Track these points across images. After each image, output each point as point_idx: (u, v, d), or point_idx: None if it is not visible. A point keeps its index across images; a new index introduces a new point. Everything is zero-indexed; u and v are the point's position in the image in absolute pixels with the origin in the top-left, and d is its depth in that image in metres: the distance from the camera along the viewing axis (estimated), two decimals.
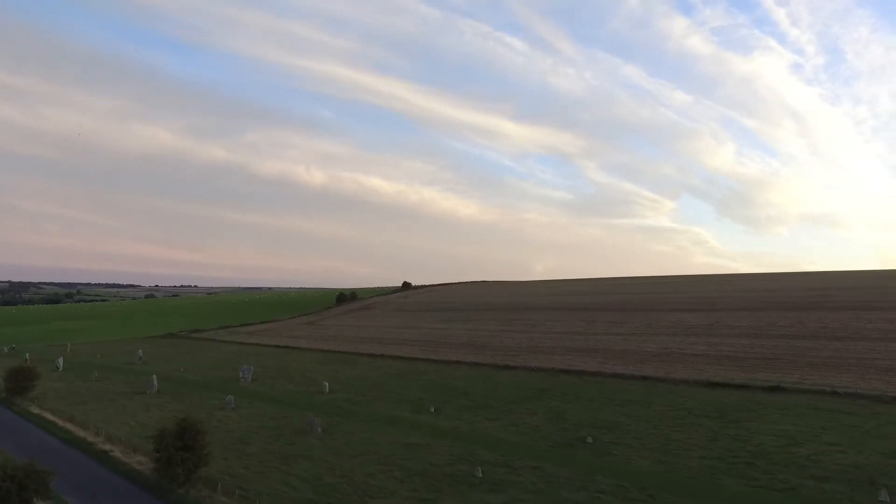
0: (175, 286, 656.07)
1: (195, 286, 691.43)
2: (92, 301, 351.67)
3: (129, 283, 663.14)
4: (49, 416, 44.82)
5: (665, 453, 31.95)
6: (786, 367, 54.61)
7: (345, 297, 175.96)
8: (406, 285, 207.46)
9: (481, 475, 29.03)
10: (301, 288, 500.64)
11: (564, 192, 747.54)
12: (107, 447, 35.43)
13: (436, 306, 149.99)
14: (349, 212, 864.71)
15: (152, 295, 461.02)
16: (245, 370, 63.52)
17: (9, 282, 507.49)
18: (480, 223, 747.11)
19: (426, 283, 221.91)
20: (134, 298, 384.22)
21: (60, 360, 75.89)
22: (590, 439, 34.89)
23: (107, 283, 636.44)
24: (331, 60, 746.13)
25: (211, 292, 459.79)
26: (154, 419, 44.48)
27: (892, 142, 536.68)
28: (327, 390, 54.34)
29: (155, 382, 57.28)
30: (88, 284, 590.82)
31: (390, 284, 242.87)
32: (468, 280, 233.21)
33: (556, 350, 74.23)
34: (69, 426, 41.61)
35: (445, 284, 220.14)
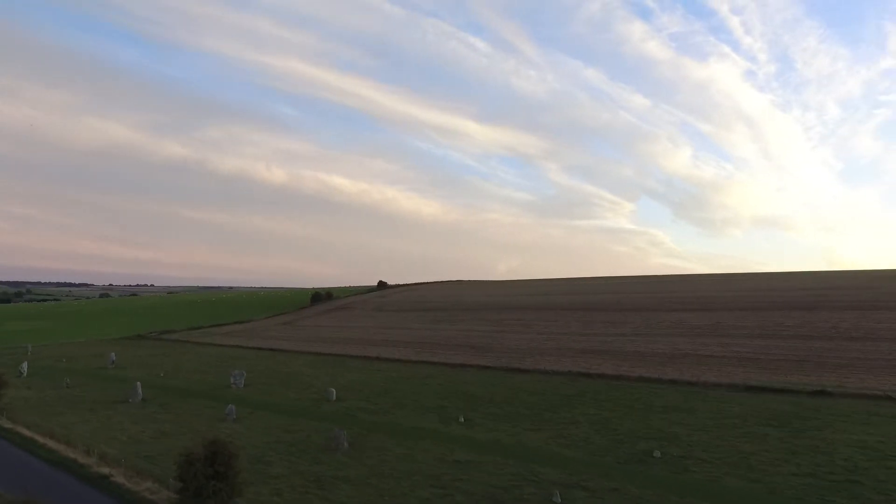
0: (130, 285, 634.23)
1: (151, 285, 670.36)
2: (44, 300, 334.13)
3: (81, 281, 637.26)
4: (25, 432, 39.09)
5: (749, 469, 28.73)
6: (815, 370, 52.55)
7: (320, 297, 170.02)
8: (382, 284, 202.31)
9: (561, 501, 25.26)
10: (265, 287, 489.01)
11: (527, 192, 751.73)
12: (104, 470, 30.27)
13: (417, 306, 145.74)
14: (311, 210, 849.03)
15: (107, 294, 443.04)
16: (237, 376, 58.32)
17: None
18: (444, 223, 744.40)
19: (397, 283, 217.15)
20: (88, 298, 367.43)
21: (24, 366, 69.00)
22: (657, 453, 31.47)
23: (58, 282, 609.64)
24: (292, 57, 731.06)
25: (172, 291, 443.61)
26: (148, 433, 39.38)
27: (837, 148, 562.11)
28: (334, 397, 49.78)
29: (139, 390, 51.72)
30: (39, 283, 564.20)
31: (356, 284, 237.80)
32: (440, 279, 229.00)
33: (563, 352, 71.08)
34: (52, 444, 36.11)
35: (421, 284, 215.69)
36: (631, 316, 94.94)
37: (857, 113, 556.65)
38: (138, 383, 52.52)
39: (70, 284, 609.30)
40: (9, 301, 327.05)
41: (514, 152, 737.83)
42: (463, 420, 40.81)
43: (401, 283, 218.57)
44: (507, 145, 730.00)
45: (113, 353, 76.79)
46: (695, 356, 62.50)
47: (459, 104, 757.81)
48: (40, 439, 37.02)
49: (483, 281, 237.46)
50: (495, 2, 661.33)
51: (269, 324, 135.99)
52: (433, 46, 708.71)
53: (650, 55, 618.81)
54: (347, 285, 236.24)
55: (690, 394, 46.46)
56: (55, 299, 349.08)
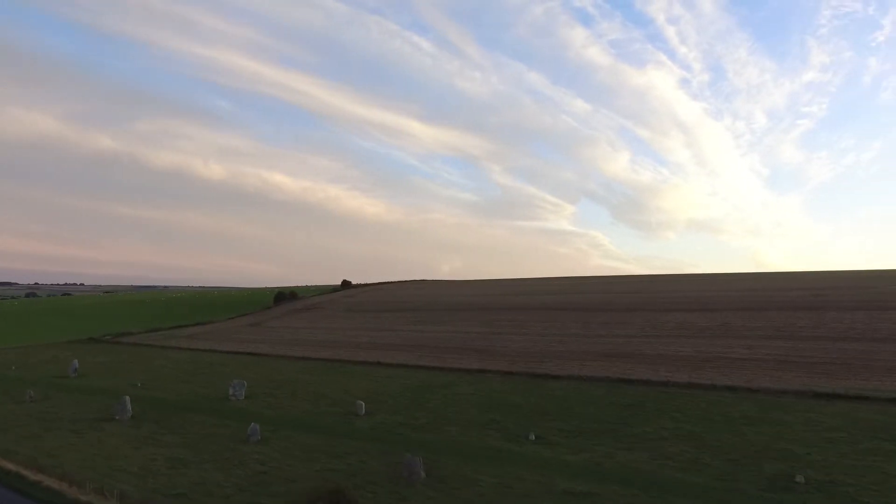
0: (59, 284, 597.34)
1: (82, 284, 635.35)
2: None
3: (4, 280, 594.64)
4: (7, 465, 31.31)
5: None
6: (864, 371, 50.08)
7: (284, 296, 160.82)
8: (346, 284, 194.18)
9: None
10: (210, 287, 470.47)
11: (470, 193, 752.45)
12: None
13: (390, 306, 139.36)
14: (252, 208, 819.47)
15: (34, 293, 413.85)
16: (236, 386, 51.11)
17: None
18: (387, 222, 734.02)
19: (358, 283, 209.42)
20: (13, 298, 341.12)
21: None
22: (800, 478, 27.16)
23: None
24: (230, 49, 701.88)
25: (109, 291, 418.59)
26: (160, 462, 32.33)
27: (764, 156, 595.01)
28: (363, 412, 43.58)
29: (128, 405, 43.98)
30: None
31: (305, 283, 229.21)
32: (390, 280, 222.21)
33: (580, 355, 66.79)
34: (46, 480, 28.64)
35: (384, 283, 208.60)
36: (630, 317, 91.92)
37: (782, 123, 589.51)
38: (127, 398, 44.66)
39: None
40: None
41: (458, 153, 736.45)
42: (533, 438, 35.58)
43: (361, 282, 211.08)
44: (451, 146, 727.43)
45: (75, 360, 67.48)
46: (725, 359, 59.38)
47: (403, 103, 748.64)
48: (29, 475, 29.40)
49: (447, 281, 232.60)
50: (440, 2, 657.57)
51: (233, 325, 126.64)
52: (377, 45, 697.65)
53: (591, 61, 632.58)
54: (301, 284, 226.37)
55: (762, 402, 42.71)
56: None
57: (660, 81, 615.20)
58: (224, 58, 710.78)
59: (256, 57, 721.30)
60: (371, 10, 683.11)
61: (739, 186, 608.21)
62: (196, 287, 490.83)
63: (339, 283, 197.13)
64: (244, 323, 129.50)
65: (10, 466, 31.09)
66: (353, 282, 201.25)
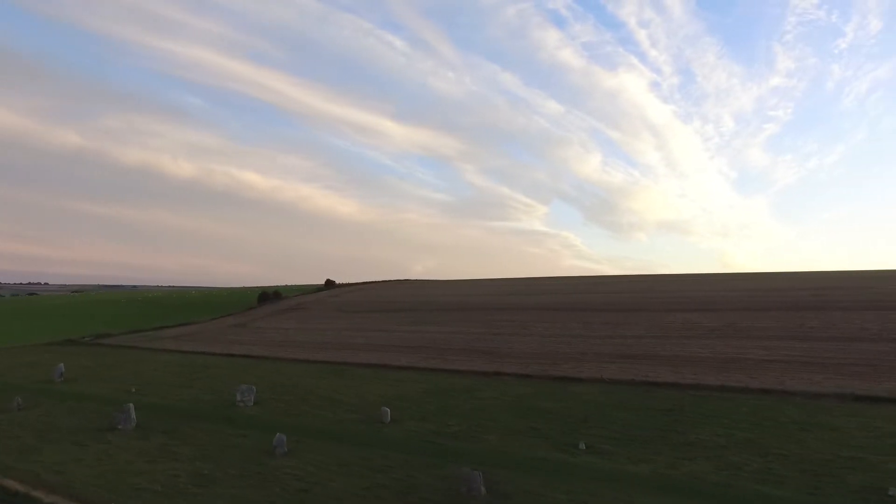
0: (22, 283, 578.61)
1: (46, 283, 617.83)
2: None
3: None
4: (11, 484, 27.88)
5: None
6: (893, 373, 49.02)
7: (268, 296, 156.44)
8: (330, 283, 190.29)
9: None
10: (180, 287, 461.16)
11: (444, 193, 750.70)
12: None
13: (380, 306, 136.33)
14: (223, 207, 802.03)
15: None
16: (244, 391, 47.89)
17: None
18: (360, 222, 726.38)
19: (343, 282, 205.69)
20: None
21: None
22: (893, 491, 25.38)
23: None
24: (199, 45, 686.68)
25: (78, 290, 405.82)
26: (184, 478, 29.25)
27: (731, 159, 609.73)
28: (388, 419, 40.86)
29: (132, 413, 40.56)
30: None
31: (284, 283, 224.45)
32: (372, 280, 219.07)
33: (596, 357, 64.88)
34: (60, 502, 25.46)
35: (368, 283, 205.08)
36: (632, 317, 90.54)
37: (749, 127, 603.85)
38: (130, 405, 41.16)
39: None
40: None
41: (432, 153, 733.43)
42: (584, 447, 33.33)
43: (345, 281, 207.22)
44: (424, 145, 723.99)
45: (61, 364, 63.23)
46: (747, 360, 57.99)
47: (376, 102, 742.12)
48: (42, 496, 26.12)
49: (432, 280, 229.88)
50: (414, 1, 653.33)
51: (218, 326, 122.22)
52: (350, 42, 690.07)
53: (564, 63, 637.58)
54: (281, 284, 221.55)
55: (803, 406, 41.12)
56: None
57: (631, 84, 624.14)
58: (194, 54, 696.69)
59: (228, 53, 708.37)
60: (344, 7, 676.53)
61: (708, 189, 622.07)
62: (167, 287, 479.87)
63: (323, 282, 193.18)
64: (229, 323, 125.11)
65: (13, 485, 27.70)
66: (337, 281, 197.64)
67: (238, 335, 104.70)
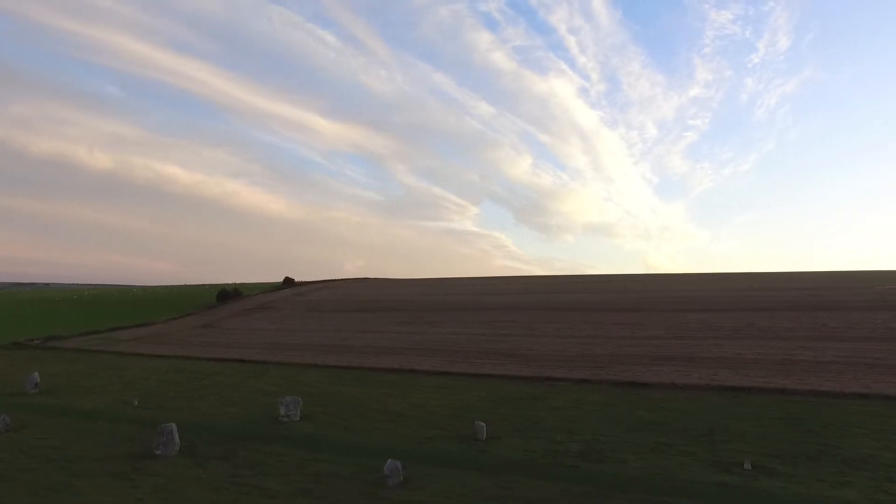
0: None
1: None
2: None
3: None
4: None
5: None
6: None
7: (228, 295, 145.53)
8: (289, 281, 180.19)
9: None
10: (100, 284, 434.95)
11: (375, 192, 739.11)
12: None
13: (357, 306, 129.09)
14: (143, 201, 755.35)
15: None
16: (289, 404, 40.90)
17: None
18: (289, 220, 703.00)
19: (302, 280, 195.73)
20: None
21: None
22: None
23: None
24: (117, 31, 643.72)
25: None
26: None
27: (653, 164, 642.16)
28: (485, 435, 35.15)
29: (175, 436, 33.02)
30: None
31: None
32: (326, 278, 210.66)
33: (634, 359, 61.23)
34: None
35: (330, 281, 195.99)
36: (644, 317, 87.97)
37: (670, 134, 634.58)
38: (173, 425, 33.48)
39: None
40: None
41: (363, 151, 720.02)
42: (749, 467, 28.89)
43: (307, 280, 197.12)
44: (355, 143, 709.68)
45: (35, 373, 53.58)
46: (803, 362, 55.65)
47: (306, 97, 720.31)
48: None
49: (393, 279, 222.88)
50: None
51: (180, 326, 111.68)
52: (279, 35, 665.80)
53: (496, 65, 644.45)
54: (246, 282, 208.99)
55: (878, 411, 38.52)
56: None
57: (560, 89, 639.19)
58: (110, 39, 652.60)
59: (147, 40, 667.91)
60: None
61: (632, 193, 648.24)
62: (84, 284, 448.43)
63: (282, 280, 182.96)
64: (193, 324, 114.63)
65: None
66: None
67: (212, 336, 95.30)
